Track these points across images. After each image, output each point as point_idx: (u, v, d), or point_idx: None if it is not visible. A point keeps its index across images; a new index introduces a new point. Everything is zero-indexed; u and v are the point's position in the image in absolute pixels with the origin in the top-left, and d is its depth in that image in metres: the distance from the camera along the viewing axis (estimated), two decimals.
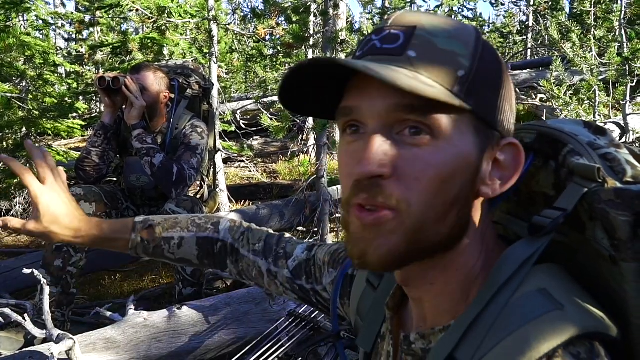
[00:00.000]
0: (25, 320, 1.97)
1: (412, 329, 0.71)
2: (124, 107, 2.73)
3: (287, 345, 1.93)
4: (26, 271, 2.07)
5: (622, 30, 5.74)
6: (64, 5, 11.92)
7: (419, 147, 0.59)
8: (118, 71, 6.51)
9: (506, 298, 0.61)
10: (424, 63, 0.59)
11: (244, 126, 5.72)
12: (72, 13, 9.12)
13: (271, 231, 1.10)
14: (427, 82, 0.58)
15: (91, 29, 8.58)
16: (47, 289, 2.06)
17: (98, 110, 9.08)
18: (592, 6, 6.21)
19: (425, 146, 0.59)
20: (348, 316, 0.90)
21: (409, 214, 0.59)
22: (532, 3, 12.70)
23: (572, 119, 0.74)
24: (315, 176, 4.10)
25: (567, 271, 0.65)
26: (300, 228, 4.04)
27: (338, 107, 0.65)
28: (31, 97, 4.72)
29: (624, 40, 5.64)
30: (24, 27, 6.71)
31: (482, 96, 0.62)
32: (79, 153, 2.87)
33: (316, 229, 3.92)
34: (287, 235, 1.08)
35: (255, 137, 7.20)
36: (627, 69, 5.03)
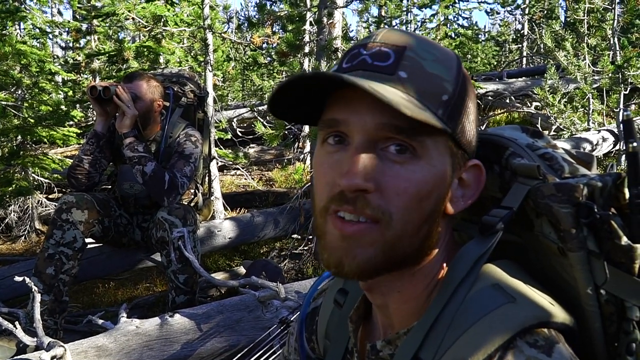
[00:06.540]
0: (16, 328, 1.97)
1: (380, 337, 0.72)
2: (117, 115, 2.74)
3: (279, 353, 1.93)
4: (18, 279, 2.07)
5: (615, 39, 5.77)
6: (60, 13, 11.96)
7: (401, 164, 0.61)
8: (114, 79, 6.54)
9: (462, 295, 0.63)
10: (414, 85, 0.61)
11: (240, 134, 5.72)
12: (68, 22, 9.14)
13: None
14: (419, 105, 0.60)
15: (88, 38, 8.58)
16: (38, 297, 2.06)
17: (94, 118, 9.08)
18: (586, 15, 6.24)
19: (407, 164, 0.61)
20: (320, 349, 0.89)
21: (390, 227, 0.61)
22: (527, 12, 12.75)
23: (510, 126, 0.77)
24: (310, 184, 4.10)
25: (520, 266, 0.67)
26: (295, 236, 4.04)
27: (314, 114, 0.68)
28: (27, 105, 4.73)
29: (617, 48, 5.66)
30: (21, 36, 6.71)
31: (458, 120, 0.64)
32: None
33: (310, 237, 3.92)
34: None
35: (251, 145, 7.20)
36: (621, 76, 5.05)
